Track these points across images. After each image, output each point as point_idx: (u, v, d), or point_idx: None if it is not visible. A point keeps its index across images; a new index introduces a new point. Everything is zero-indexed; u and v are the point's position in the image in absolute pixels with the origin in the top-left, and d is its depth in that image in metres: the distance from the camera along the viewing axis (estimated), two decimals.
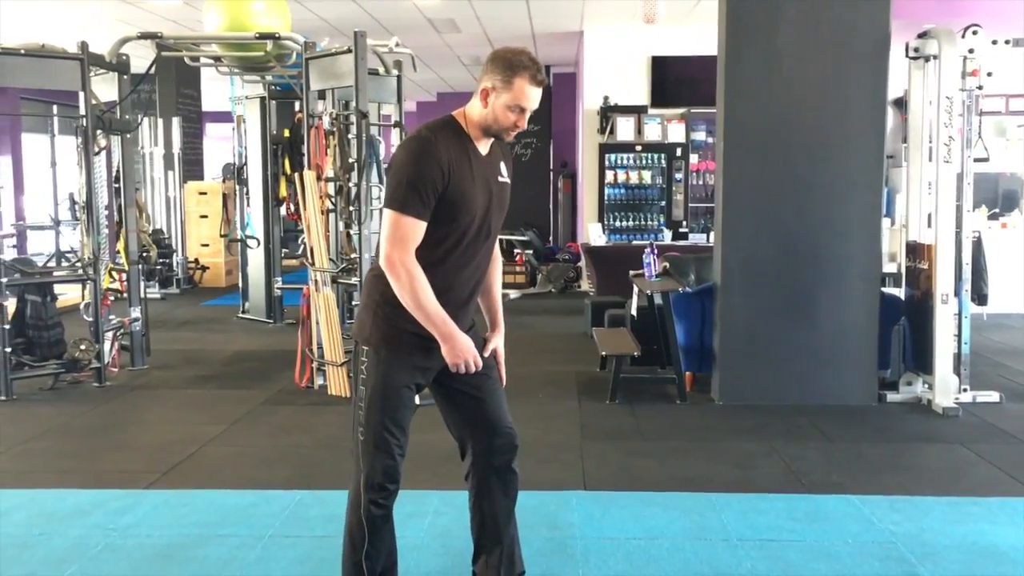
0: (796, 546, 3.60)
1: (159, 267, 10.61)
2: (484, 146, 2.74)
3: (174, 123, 12.30)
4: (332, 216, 6.69)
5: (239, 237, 9.56)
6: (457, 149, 2.65)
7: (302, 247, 10.59)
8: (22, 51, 6.02)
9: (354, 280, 6.15)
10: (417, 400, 2.93)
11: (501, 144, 2.83)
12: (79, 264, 6.61)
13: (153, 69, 7.22)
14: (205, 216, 12.14)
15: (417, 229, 2.61)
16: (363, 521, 2.76)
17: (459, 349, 2.69)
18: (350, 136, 6.24)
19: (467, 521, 3.22)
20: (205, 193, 12.24)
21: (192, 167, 13.18)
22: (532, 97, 2.63)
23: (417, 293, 2.62)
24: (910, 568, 3.39)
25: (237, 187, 9.56)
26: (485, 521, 2.99)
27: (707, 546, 3.60)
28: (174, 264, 11.73)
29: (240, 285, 9.75)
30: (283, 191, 8.68)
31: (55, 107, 14.19)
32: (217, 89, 13.91)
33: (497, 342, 2.94)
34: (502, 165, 2.82)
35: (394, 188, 2.61)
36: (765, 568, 3.39)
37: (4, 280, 6.00)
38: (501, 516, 2.98)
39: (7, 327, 6.02)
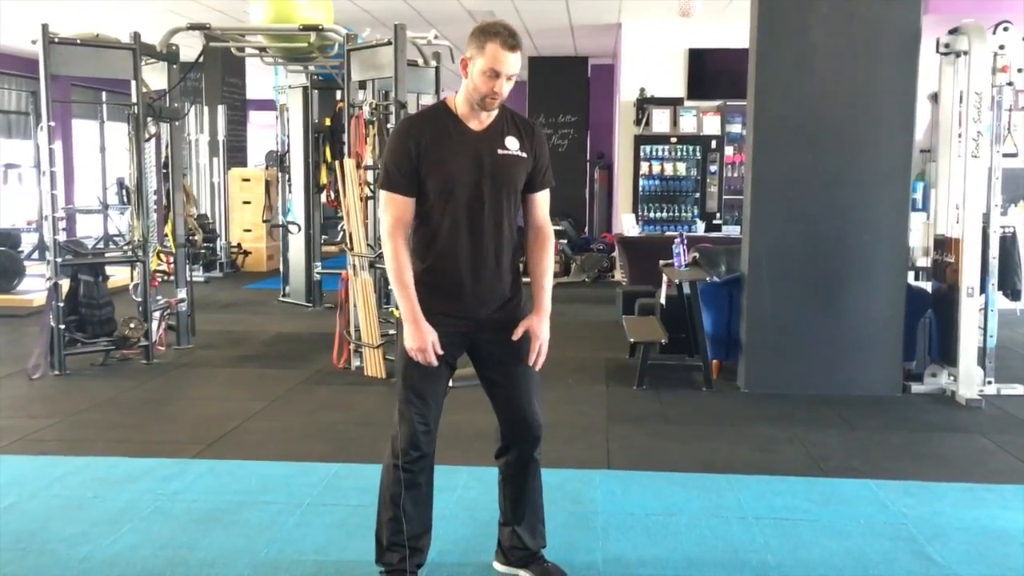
0: (810, 525, 3.75)
1: (203, 251, 10.91)
2: (476, 122, 2.89)
3: (219, 111, 12.60)
4: (371, 203, 6.88)
5: (280, 223, 9.82)
6: (434, 127, 2.87)
7: (341, 233, 10.88)
8: (78, 41, 6.30)
9: None
10: (450, 383, 3.08)
11: (518, 121, 2.98)
12: (129, 246, 6.88)
13: (201, 59, 7.47)
14: (248, 202, 12.44)
15: (401, 203, 2.86)
16: (393, 483, 2.96)
17: (412, 335, 2.82)
18: (389, 126, 6.43)
19: (493, 495, 3.40)
20: (248, 180, 12.53)
21: (236, 154, 13.49)
22: (504, 61, 2.76)
23: (392, 263, 2.86)
24: (918, 547, 3.52)
25: (280, 174, 9.81)
26: (509, 499, 3.18)
27: (723, 523, 3.76)
28: (217, 248, 12.04)
29: (281, 270, 10.03)
30: (324, 178, 8.91)
31: (104, 94, 14.60)
32: (260, 78, 14.21)
33: (531, 323, 2.94)
34: (510, 139, 2.92)
35: (380, 170, 2.95)
36: (778, 543, 3.54)
37: (59, 260, 6.29)
38: (524, 496, 3.15)
39: (61, 305, 6.32)
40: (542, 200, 3.05)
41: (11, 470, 4.32)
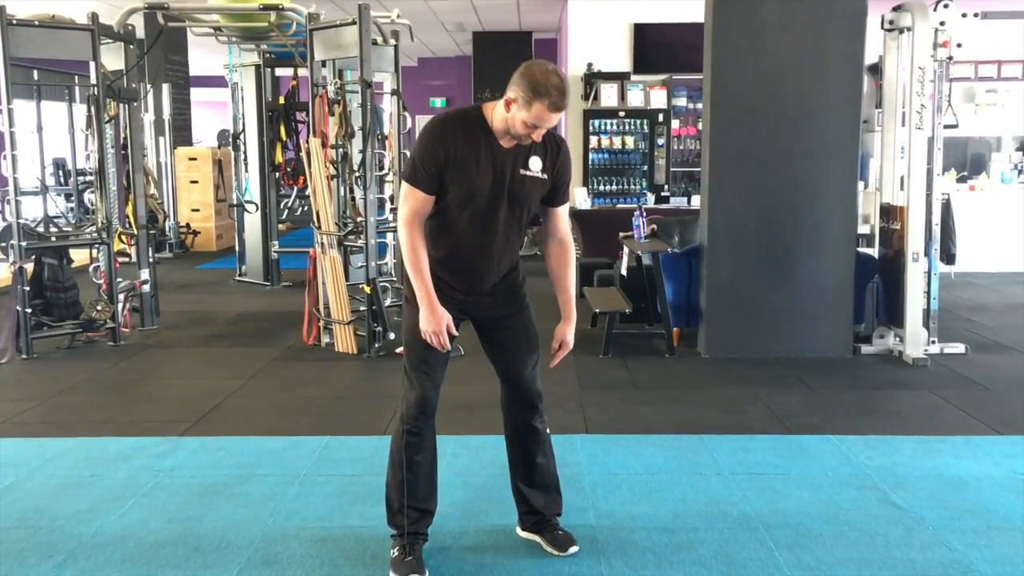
0: (782, 478, 4.00)
1: (153, 232, 10.82)
2: (507, 139, 2.98)
3: (164, 89, 12.41)
4: (335, 182, 6.95)
5: (236, 202, 9.79)
6: (466, 137, 2.95)
7: (286, 212, 10.87)
8: (36, 22, 6.23)
9: (360, 243, 6.44)
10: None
11: (546, 140, 3.02)
12: (93, 228, 6.85)
13: (147, 36, 7.42)
14: (195, 181, 12.37)
15: (421, 198, 2.99)
16: (402, 447, 3.12)
17: (428, 319, 2.99)
18: (356, 106, 6.49)
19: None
20: (195, 159, 12.44)
21: (181, 133, 13.32)
22: (548, 120, 2.87)
23: (409, 250, 3.00)
24: (883, 495, 3.80)
25: (233, 153, 9.76)
26: (513, 461, 3.35)
27: (702, 479, 3.99)
28: (166, 229, 11.93)
29: (237, 249, 10.00)
30: (279, 157, 8.92)
31: (35, 72, 14.26)
32: (202, 55, 14.01)
33: (562, 331, 3.19)
34: (533, 160, 3.02)
35: (408, 164, 3.06)
36: (755, 496, 3.79)
37: (24, 244, 6.26)
38: (527, 461, 3.31)
39: (27, 289, 6.29)
40: (562, 213, 3.20)
41: (2, 452, 4.35)
